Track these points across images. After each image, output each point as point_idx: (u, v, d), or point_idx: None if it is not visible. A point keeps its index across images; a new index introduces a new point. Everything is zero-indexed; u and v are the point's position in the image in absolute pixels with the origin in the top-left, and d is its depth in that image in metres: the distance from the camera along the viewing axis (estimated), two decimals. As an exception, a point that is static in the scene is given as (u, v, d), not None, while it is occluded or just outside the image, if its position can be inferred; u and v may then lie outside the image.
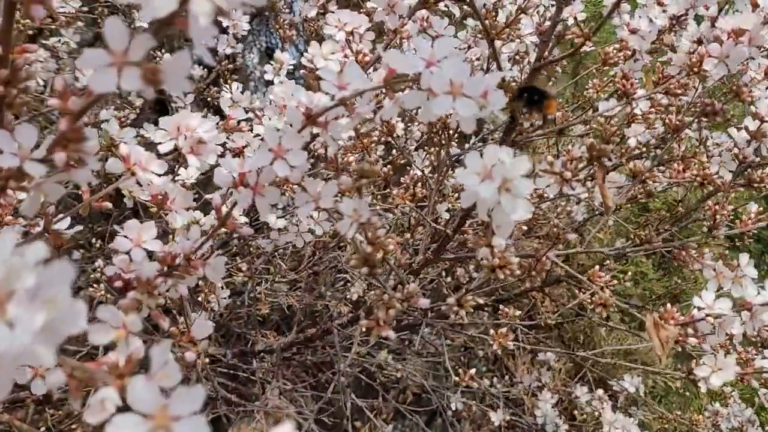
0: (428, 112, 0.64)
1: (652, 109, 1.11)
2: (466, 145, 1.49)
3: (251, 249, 1.51)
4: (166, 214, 0.80)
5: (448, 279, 1.80)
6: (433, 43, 0.65)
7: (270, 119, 1.06)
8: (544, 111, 0.93)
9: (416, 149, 1.67)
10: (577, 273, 1.09)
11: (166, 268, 0.74)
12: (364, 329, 1.32)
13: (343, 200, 0.68)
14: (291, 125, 0.72)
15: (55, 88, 0.50)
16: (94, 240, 1.64)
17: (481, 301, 1.83)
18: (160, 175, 0.78)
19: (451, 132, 1.22)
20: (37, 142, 0.57)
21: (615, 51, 1.22)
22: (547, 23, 1.05)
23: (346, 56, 0.92)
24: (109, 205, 0.75)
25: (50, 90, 1.50)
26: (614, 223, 1.72)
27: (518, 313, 1.38)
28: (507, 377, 2.13)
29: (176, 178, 0.86)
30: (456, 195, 1.39)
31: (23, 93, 0.58)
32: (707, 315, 0.91)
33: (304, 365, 2.21)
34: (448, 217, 1.33)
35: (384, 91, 0.70)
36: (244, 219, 1.16)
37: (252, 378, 1.70)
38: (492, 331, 1.12)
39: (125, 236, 0.75)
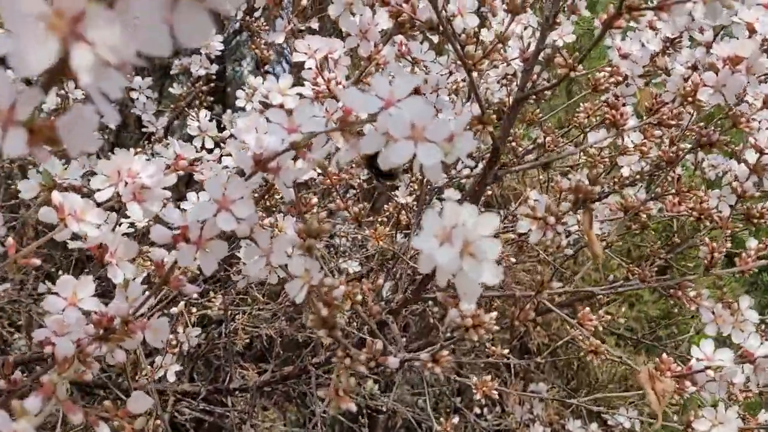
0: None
1: (645, 141, 1.03)
2: (453, 171, 1.42)
3: (225, 282, 1.43)
4: (105, 267, 0.73)
5: (435, 308, 1.72)
6: (392, 81, 0.58)
7: (230, 156, 0.99)
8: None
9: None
10: (567, 315, 1.01)
11: (101, 332, 0.66)
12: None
13: (292, 259, 0.61)
14: (240, 169, 0.65)
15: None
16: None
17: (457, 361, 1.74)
18: (98, 225, 0.70)
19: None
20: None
21: (605, 77, 1.15)
22: (532, 49, 0.98)
23: (316, 85, 0.85)
24: (38, 262, 0.67)
25: None
26: (606, 256, 1.65)
27: (506, 351, 1.30)
28: (498, 407, 2.05)
29: (122, 221, 0.78)
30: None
31: None
32: (707, 367, 0.84)
33: (288, 395, 2.13)
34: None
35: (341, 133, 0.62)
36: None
37: (228, 414, 1.62)
38: (475, 379, 1.04)
39: (57, 294, 0.68)
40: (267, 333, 1.67)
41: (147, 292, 0.69)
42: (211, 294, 1.45)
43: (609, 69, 1.16)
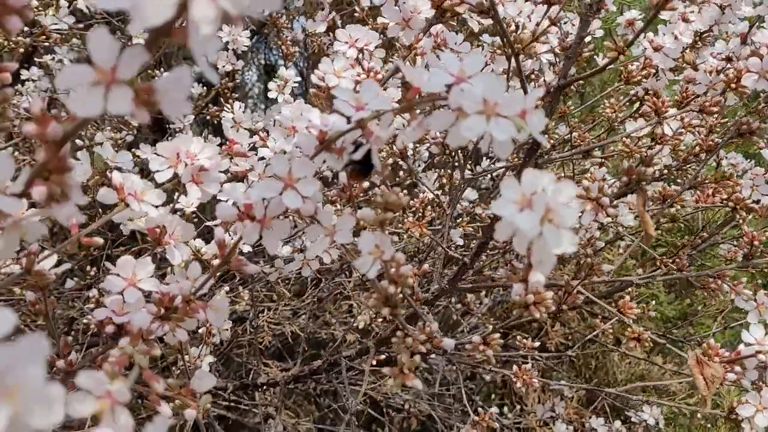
0: (458, 135, 0.57)
1: (682, 129, 1.04)
2: (478, 167, 1.42)
3: (253, 276, 1.43)
4: (164, 249, 0.72)
5: (458, 305, 1.72)
6: (462, 58, 0.58)
7: (276, 141, 0.99)
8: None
9: (425, 170, 1.59)
10: (605, 303, 1.01)
11: (162, 311, 0.66)
12: (374, 362, 1.24)
13: (361, 235, 0.61)
14: (301, 150, 0.65)
15: (31, 111, 0.43)
16: (88, 267, 1.56)
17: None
18: (157, 206, 0.70)
19: (466, 153, 1.15)
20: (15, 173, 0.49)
21: (638, 69, 1.15)
22: (570, 38, 0.98)
23: (359, 74, 0.85)
24: (101, 241, 0.67)
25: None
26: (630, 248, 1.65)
27: (537, 344, 1.30)
28: (518, 406, 2.04)
29: (175, 207, 0.78)
30: (468, 220, 1.31)
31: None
32: (758, 351, 0.84)
33: (306, 393, 2.13)
34: (462, 244, 1.25)
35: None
36: (247, 247, 1.09)
37: (253, 410, 1.61)
38: (515, 367, 1.04)
39: (117, 274, 0.67)
40: (291, 330, 1.66)
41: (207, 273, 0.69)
42: (240, 289, 1.44)
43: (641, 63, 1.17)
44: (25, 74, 1.65)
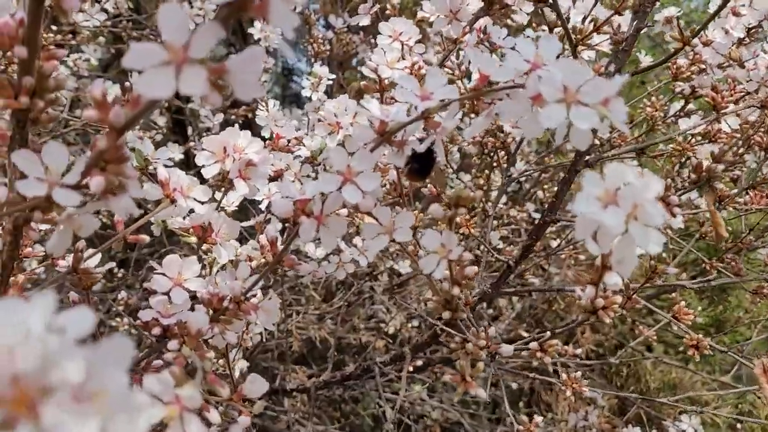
0: (533, 125, 0.53)
1: (741, 125, 0.99)
2: (513, 169, 1.38)
3: (283, 279, 1.39)
4: (209, 248, 0.69)
5: (489, 310, 1.68)
6: (539, 43, 0.55)
7: (312, 140, 0.96)
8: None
9: (457, 171, 1.56)
10: (659, 309, 0.97)
11: (211, 313, 0.63)
12: (410, 369, 1.20)
13: (426, 233, 0.57)
14: (357, 144, 0.62)
15: (92, 97, 0.39)
16: (116, 268, 1.53)
17: (525, 334, 1.71)
18: (203, 203, 0.67)
19: (507, 152, 1.11)
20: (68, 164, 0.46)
21: (687, 64, 1.11)
22: (623, 31, 0.94)
23: (413, 66, 0.82)
24: (147, 238, 0.64)
25: (69, 110, 1.41)
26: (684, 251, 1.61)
27: (579, 350, 1.25)
28: (548, 414, 1.99)
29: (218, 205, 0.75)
30: (507, 222, 1.27)
31: (51, 106, 0.48)
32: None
33: (330, 399, 2.09)
34: (501, 247, 1.22)
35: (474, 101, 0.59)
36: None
37: (281, 416, 1.57)
38: (564, 375, 1.00)
39: (163, 274, 0.64)
40: (318, 335, 1.63)
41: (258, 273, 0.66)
42: (270, 292, 1.41)
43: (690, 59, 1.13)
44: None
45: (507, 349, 0.71)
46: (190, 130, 2.15)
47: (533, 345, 0.76)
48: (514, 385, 2.31)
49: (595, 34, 0.78)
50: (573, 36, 0.77)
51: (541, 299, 1.78)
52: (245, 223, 1.12)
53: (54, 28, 1.40)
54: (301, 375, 1.62)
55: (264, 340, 1.61)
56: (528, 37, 0.99)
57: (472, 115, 0.61)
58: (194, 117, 1.65)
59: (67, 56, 1.67)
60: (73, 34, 1.48)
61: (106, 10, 1.39)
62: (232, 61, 0.39)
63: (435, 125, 0.58)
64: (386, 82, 0.79)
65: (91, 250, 0.63)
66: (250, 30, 1.39)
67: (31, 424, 0.23)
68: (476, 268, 0.93)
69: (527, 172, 1.20)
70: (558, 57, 0.54)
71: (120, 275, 1.44)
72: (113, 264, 0.66)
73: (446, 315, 0.62)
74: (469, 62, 1.12)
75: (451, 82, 1.15)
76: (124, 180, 0.45)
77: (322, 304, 1.59)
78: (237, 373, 1.20)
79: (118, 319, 1.24)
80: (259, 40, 1.37)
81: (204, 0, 1.32)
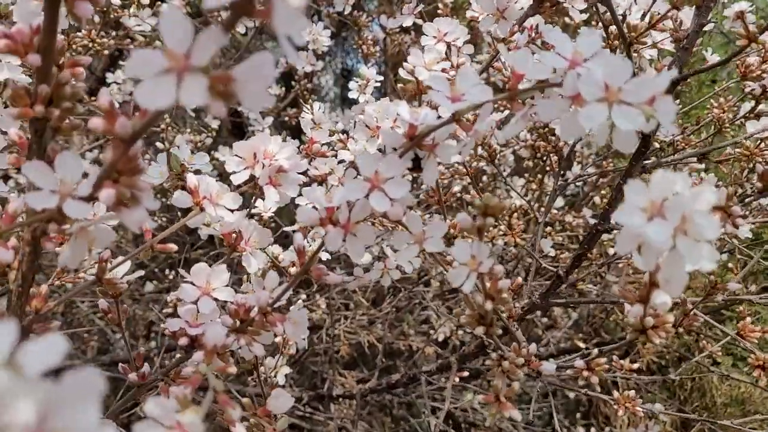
0: (572, 126, 0.49)
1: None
2: (569, 173, 1.33)
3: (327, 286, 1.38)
4: (240, 256, 0.68)
5: (544, 319, 1.62)
6: (578, 39, 0.51)
7: (357, 143, 0.93)
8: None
9: (510, 175, 1.51)
10: (719, 324, 0.90)
11: (238, 323, 0.61)
12: (456, 379, 1.16)
13: (456, 244, 0.54)
14: (388, 148, 0.59)
15: (100, 106, 0.38)
16: (167, 270, 1.56)
17: (582, 345, 1.64)
18: (233, 210, 0.66)
19: (561, 156, 1.06)
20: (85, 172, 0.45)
21: (758, 62, 1.03)
22: (685, 28, 0.88)
23: (451, 67, 0.78)
24: (174, 247, 0.63)
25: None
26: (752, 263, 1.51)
27: (635, 366, 1.19)
28: (606, 428, 1.91)
29: (252, 211, 0.74)
30: (561, 228, 1.22)
31: (68, 114, 0.47)
32: None
33: (381, 404, 2.07)
34: (553, 255, 1.16)
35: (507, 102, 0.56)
36: (326, 254, 1.04)
37: (328, 421, 1.56)
38: (616, 393, 0.94)
39: (192, 282, 0.63)
40: (366, 340, 1.61)
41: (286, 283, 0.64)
42: (317, 297, 1.40)
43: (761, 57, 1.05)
44: (110, 77, 1.68)
45: (549, 367, 0.67)
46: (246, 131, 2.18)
47: (579, 363, 0.72)
48: (572, 395, 2.24)
49: (651, 31, 0.72)
50: (627, 33, 0.72)
51: (599, 308, 1.71)
52: (289, 228, 1.11)
53: (111, 33, 1.43)
54: (350, 380, 1.60)
55: (312, 344, 1.61)
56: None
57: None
58: (249, 119, 1.66)
59: (124, 59, 1.70)
60: (131, 39, 1.51)
61: (157, 15, 1.41)
62: (238, 69, 0.37)
63: (467, 128, 0.55)
64: (423, 84, 0.76)
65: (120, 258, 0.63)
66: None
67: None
68: (519, 279, 0.89)
69: (582, 177, 1.14)
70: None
71: (171, 277, 1.46)
72: (141, 272, 0.66)
73: (479, 331, 0.59)
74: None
75: (493, 85, 1.11)
76: (137, 192, 0.44)
77: (370, 309, 1.57)
78: (282, 379, 1.19)
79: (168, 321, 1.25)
80: (308, 43, 1.37)
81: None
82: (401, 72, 0.76)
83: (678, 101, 1.42)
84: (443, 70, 0.77)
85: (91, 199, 0.43)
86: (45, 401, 0.23)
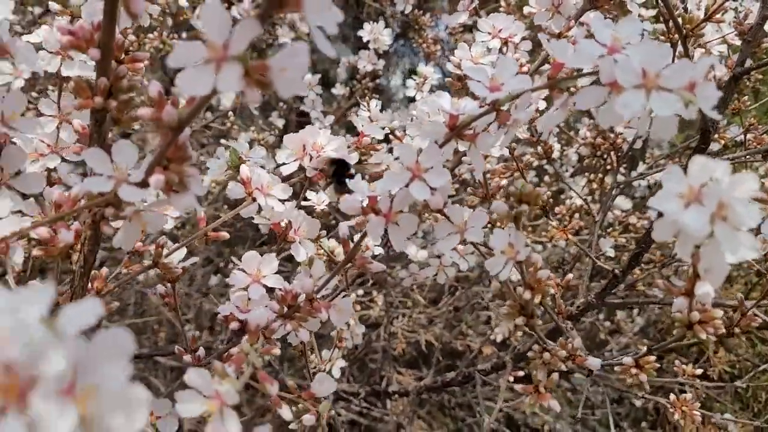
0: (610, 113, 0.49)
1: None
2: (634, 173, 1.29)
3: (388, 279, 1.40)
4: (289, 245, 0.70)
5: (607, 323, 1.58)
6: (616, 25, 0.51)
7: (412, 139, 0.95)
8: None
9: (573, 175, 1.48)
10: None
11: (285, 309, 0.64)
12: (511, 379, 1.16)
13: (493, 232, 0.54)
14: (429, 138, 0.60)
15: (150, 95, 0.41)
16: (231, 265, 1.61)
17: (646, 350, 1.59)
18: (283, 201, 0.68)
19: (620, 154, 1.04)
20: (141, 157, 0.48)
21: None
22: (749, 20, 0.85)
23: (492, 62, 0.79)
24: (227, 235, 0.66)
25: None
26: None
27: (699, 371, 1.15)
28: (674, 437, 1.85)
29: (303, 203, 0.76)
30: (621, 230, 1.19)
31: (126, 106, 0.51)
32: None
33: (441, 404, 2.07)
34: (613, 255, 1.14)
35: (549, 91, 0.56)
36: (379, 249, 1.06)
37: (385, 417, 1.58)
38: (673, 396, 0.91)
39: (242, 270, 0.66)
40: (424, 338, 1.61)
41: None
42: (374, 294, 1.42)
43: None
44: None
45: (594, 362, 0.66)
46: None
47: (627, 360, 0.70)
48: (638, 403, 2.17)
49: (717, 25, 0.70)
50: (683, 25, 0.70)
51: (666, 313, 1.65)
52: (346, 222, 1.14)
53: (183, 35, 1.50)
54: (408, 377, 1.61)
55: (370, 340, 1.63)
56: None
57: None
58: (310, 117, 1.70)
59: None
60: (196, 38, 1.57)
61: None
62: (274, 58, 0.39)
63: (506, 117, 0.55)
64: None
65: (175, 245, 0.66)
66: (360, 32, 1.41)
67: (19, 413, 0.24)
68: (570, 276, 0.88)
69: (643, 175, 1.11)
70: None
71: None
72: (196, 259, 0.69)
73: (520, 321, 0.59)
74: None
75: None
76: (185, 178, 0.47)
77: (428, 308, 1.57)
78: (337, 372, 1.21)
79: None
80: (368, 42, 1.39)
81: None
82: (448, 66, 0.76)
83: (754, 99, 1.35)
84: (490, 63, 0.77)
85: (144, 184, 0.46)
86: (77, 357, 0.25)
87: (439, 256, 1.22)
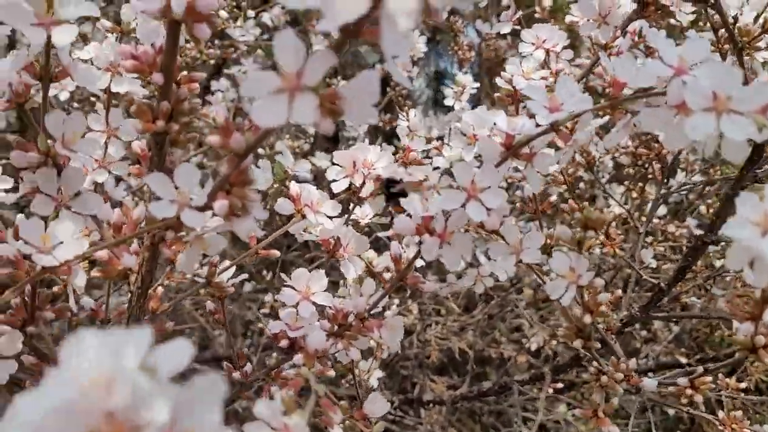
0: (677, 136, 0.48)
1: None
2: (673, 181, 1.27)
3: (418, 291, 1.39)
4: (338, 262, 0.70)
5: (643, 332, 1.56)
6: (684, 45, 0.50)
7: (452, 149, 0.94)
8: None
9: (608, 182, 1.47)
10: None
11: (336, 328, 0.64)
12: (550, 390, 1.14)
13: (554, 256, 0.54)
14: (485, 158, 0.59)
15: (216, 121, 0.41)
16: (264, 271, 1.62)
17: (684, 360, 1.56)
18: (332, 218, 0.68)
19: (662, 164, 1.02)
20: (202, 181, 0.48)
21: None
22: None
23: (550, 74, 0.78)
24: (277, 253, 0.66)
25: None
26: None
27: (743, 385, 1.12)
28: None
29: (350, 218, 0.76)
30: (663, 239, 1.17)
31: (186, 128, 0.51)
32: None
33: (471, 411, 2.06)
34: (654, 266, 1.12)
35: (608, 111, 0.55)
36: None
37: (419, 425, 1.57)
38: (721, 413, 0.89)
39: (292, 287, 0.66)
40: (457, 346, 1.61)
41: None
42: (409, 302, 1.41)
43: None
44: (214, 85, 1.76)
45: (650, 384, 0.65)
46: (341, 137, 2.22)
47: (682, 381, 0.69)
48: (671, 411, 2.14)
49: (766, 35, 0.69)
50: (738, 38, 0.68)
51: (702, 322, 1.63)
52: (382, 234, 1.13)
53: (216, 42, 1.51)
54: (441, 386, 1.60)
55: (403, 348, 1.62)
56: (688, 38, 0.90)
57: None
58: (344, 125, 1.71)
59: (229, 68, 1.79)
60: (234, 49, 1.58)
61: (262, 25, 1.48)
62: (345, 87, 0.38)
63: (566, 138, 0.54)
64: (521, 93, 0.76)
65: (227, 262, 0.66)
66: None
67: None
68: (618, 292, 0.87)
69: (687, 185, 1.09)
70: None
71: (269, 278, 1.51)
72: (246, 276, 0.69)
73: (578, 344, 0.58)
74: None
75: (592, 90, 1.08)
76: (248, 203, 0.47)
77: (461, 315, 1.56)
78: (375, 382, 1.20)
79: (265, 320, 1.30)
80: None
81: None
82: (498, 81, 0.76)
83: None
84: (542, 78, 0.76)
85: (206, 208, 0.46)
86: (176, 402, 0.25)
87: (476, 266, 1.21)
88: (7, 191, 0.69)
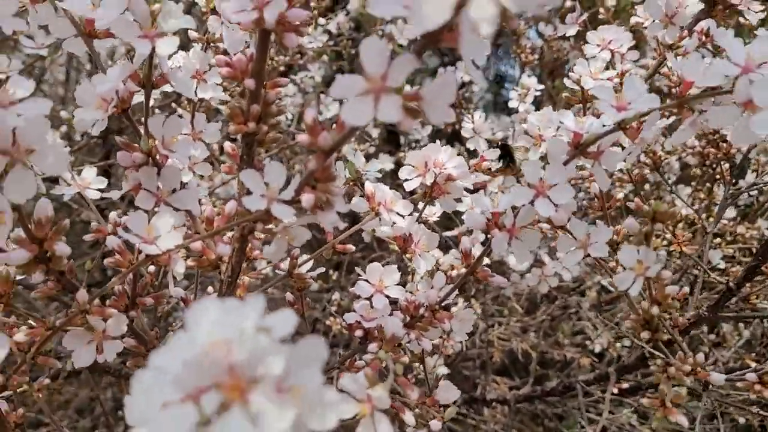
0: (745, 133, 0.49)
1: None
2: (742, 182, 1.25)
3: (485, 289, 1.41)
4: (410, 258, 0.73)
5: (711, 336, 1.53)
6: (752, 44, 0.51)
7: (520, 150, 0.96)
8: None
9: (675, 183, 1.45)
10: None
11: (408, 319, 0.67)
12: (615, 391, 1.15)
13: (622, 249, 0.55)
14: (552, 156, 0.61)
15: (304, 122, 0.45)
16: (330, 271, 1.67)
17: (753, 364, 1.53)
18: (404, 216, 0.71)
19: (731, 164, 1.02)
20: (288, 177, 0.53)
21: None
22: None
23: (619, 74, 0.79)
24: (353, 248, 0.69)
25: (296, 124, 1.56)
26: None
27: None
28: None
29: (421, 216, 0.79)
30: (732, 240, 1.16)
31: (273, 129, 0.55)
32: None
33: (532, 414, 2.05)
34: (723, 267, 1.11)
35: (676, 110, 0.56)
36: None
37: (482, 425, 1.59)
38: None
39: (367, 280, 0.70)
40: (519, 347, 1.61)
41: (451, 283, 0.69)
42: (472, 302, 1.43)
43: None
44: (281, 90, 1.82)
45: (718, 378, 0.65)
46: (402, 140, 2.26)
47: (750, 376, 0.69)
48: (742, 420, 2.08)
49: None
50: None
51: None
52: (448, 233, 1.16)
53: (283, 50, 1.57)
54: (502, 386, 1.62)
55: (465, 348, 1.64)
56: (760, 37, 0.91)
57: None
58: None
59: (295, 74, 1.85)
60: (301, 55, 1.64)
61: (329, 32, 1.53)
62: (426, 88, 0.42)
63: (633, 136, 0.56)
64: (589, 93, 0.78)
65: (305, 256, 0.71)
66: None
67: (241, 409, 0.27)
68: (686, 289, 0.87)
69: (757, 186, 1.08)
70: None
71: (334, 277, 1.56)
72: (323, 269, 0.73)
73: (645, 335, 0.59)
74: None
75: (657, 90, 1.08)
76: (331, 197, 0.50)
77: (525, 316, 1.57)
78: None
79: (332, 318, 1.35)
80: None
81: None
82: (566, 81, 0.78)
83: None
84: (609, 79, 0.78)
85: (294, 202, 0.50)
86: (285, 360, 0.28)
87: (540, 266, 1.22)
88: (101, 190, 0.76)
